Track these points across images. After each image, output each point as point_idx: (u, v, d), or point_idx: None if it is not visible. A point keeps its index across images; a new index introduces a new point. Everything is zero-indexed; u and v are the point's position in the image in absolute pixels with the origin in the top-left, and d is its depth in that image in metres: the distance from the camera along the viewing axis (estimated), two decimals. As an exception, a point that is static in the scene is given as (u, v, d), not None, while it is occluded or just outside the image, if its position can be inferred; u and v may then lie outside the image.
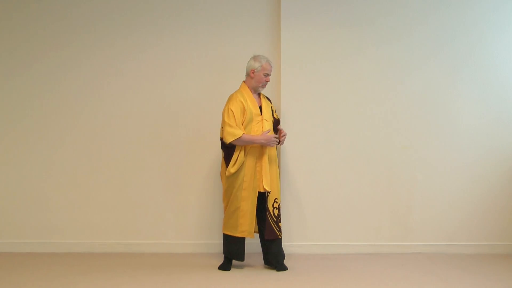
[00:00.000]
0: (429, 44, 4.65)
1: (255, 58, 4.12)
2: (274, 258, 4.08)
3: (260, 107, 4.12)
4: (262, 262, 4.23)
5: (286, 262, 4.16)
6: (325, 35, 4.64)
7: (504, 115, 4.67)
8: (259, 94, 4.20)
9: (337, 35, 4.64)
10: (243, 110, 4.03)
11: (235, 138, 3.93)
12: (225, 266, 4.09)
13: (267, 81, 4.13)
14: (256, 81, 4.11)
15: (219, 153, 4.41)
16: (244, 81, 4.19)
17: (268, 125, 4.10)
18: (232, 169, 3.98)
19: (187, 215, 4.70)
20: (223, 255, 4.18)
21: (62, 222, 4.70)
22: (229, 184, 4.04)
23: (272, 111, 4.23)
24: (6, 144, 4.74)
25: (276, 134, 4.13)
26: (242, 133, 3.95)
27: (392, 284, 3.72)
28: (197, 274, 3.96)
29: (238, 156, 3.99)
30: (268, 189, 4.01)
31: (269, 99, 4.31)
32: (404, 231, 4.65)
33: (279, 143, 4.12)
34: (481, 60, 4.67)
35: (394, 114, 4.65)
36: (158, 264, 4.26)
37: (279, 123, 4.28)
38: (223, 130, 4.01)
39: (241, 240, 4.05)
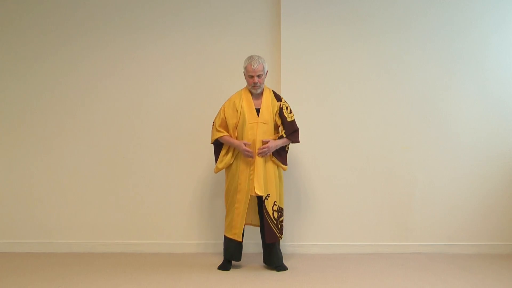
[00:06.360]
0: (430, 42, 4.65)
1: (246, 59, 4.02)
2: (275, 258, 4.07)
3: (259, 109, 4.02)
4: (262, 262, 4.22)
5: (286, 262, 4.16)
6: (325, 33, 4.63)
7: (504, 115, 4.67)
8: (261, 94, 4.04)
9: (337, 34, 4.64)
10: (235, 111, 3.99)
11: (212, 140, 4.06)
12: (225, 266, 4.09)
13: (254, 82, 3.93)
14: (247, 82, 4.06)
15: (219, 153, 4.42)
16: None
17: (266, 128, 3.98)
18: (219, 165, 4.05)
19: (187, 215, 4.70)
20: (223, 255, 4.17)
21: (62, 222, 4.70)
22: (228, 187, 4.06)
23: (280, 111, 4.01)
24: (6, 144, 4.74)
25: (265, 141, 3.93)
26: (222, 135, 3.98)
27: (392, 284, 3.72)
28: (197, 274, 3.96)
29: (224, 154, 4.04)
30: (259, 193, 3.90)
31: (279, 99, 4.05)
32: (404, 231, 4.65)
33: (252, 157, 3.92)
34: (481, 59, 4.66)
35: (394, 113, 4.65)
36: (158, 264, 4.26)
37: (291, 127, 4.00)
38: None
39: (237, 241, 4.04)
